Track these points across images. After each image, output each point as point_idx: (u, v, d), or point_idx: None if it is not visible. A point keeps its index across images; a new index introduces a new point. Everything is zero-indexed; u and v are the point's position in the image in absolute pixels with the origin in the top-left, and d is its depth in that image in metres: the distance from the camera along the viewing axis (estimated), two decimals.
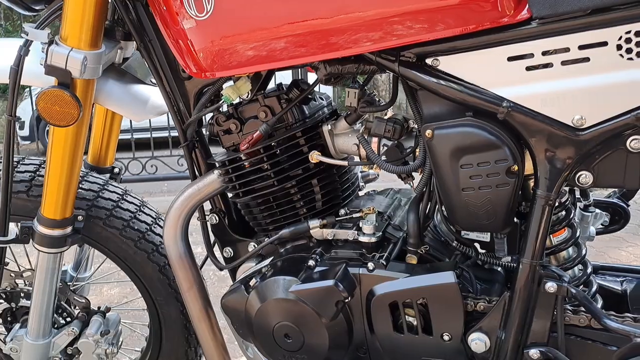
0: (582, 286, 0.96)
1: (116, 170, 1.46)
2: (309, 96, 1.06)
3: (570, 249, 0.96)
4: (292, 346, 0.97)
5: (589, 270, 0.97)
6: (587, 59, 0.75)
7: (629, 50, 0.74)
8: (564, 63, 0.77)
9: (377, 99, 1.02)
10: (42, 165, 1.27)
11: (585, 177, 0.81)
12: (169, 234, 1.11)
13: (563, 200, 0.94)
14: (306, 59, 0.88)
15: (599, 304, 0.96)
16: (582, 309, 0.84)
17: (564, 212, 0.94)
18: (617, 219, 1.14)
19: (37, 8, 1.14)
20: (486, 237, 0.99)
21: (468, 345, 0.90)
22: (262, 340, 1.00)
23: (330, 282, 0.92)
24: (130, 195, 1.37)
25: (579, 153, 0.79)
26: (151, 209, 1.39)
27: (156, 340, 1.40)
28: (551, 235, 0.94)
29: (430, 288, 0.89)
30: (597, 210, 1.09)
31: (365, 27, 0.83)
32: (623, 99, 0.75)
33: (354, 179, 1.13)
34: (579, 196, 1.08)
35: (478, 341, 0.88)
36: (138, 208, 1.35)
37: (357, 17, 0.83)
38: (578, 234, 0.96)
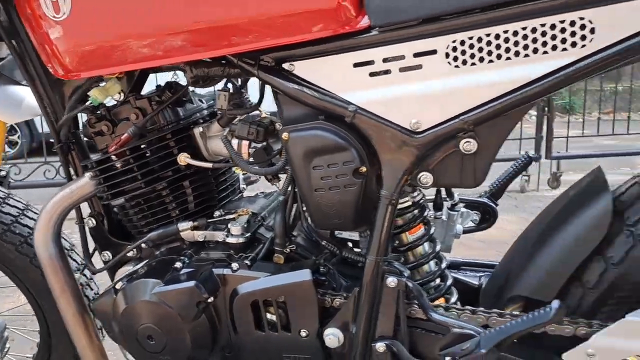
0: (438, 280, 1.01)
1: (2, 173, 1.41)
2: (184, 98, 1.07)
3: (425, 245, 1.00)
4: (155, 348, 0.97)
5: (444, 265, 1.02)
6: (420, 66, 0.80)
7: (455, 59, 0.78)
8: (401, 70, 0.81)
9: (249, 102, 1.04)
10: None
11: (426, 177, 0.85)
12: (39, 238, 1.08)
13: (417, 199, 0.98)
14: (167, 60, 0.90)
15: (454, 298, 1.01)
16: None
17: (417, 211, 0.99)
18: (487, 217, 1.20)
19: None
20: (356, 235, 1.03)
21: (324, 340, 0.92)
22: (128, 342, 1.00)
23: (191, 284, 0.93)
24: (14, 199, 1.33)
25: (417, 155, 0.83)
26: (35, 212, 1.35)
27: (45, 346, 1.37)
28: (407, 233, 0.99)
29: (287, 286, 0.92)
30: (464, 210, 1.15)
31: (219, 30, 0.85)
32: (453, 105, 0.79)
33: (232, 181, 1.14)
34: (446, 196, 1.13)
35: (332, 336, 0.91)
36: (21, 212, 1.32)
37: (211, 20, 0.85)
38: (432, 230, 1.01)
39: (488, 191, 1.21)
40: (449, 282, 1.01)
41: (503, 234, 3.26)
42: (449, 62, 0.79)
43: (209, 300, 0.93)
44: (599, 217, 0.85)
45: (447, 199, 1.13)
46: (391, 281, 0.85)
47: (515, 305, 0.92)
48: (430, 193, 1.09)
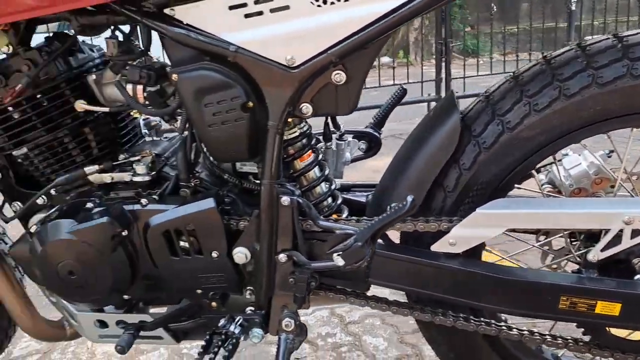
0: (330, 200, 1.16)
1: None
2: (74, 48, 1.11)
3: (316, 170, 1.14)
4: (78, 282, 1.05)
5: (333, 186, 1.16)
6: (287, 7, 0.90)
7: None
8: (272, 10, 0.90)
9: (137, 48, 1.09)
10: None
11: (306, 108, 0.97)
12: None
13: (304, 130, 1.11)
14: (48, 9, 0.92)
15: (345, 214, 1.17)
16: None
17: (305, 140, 1.11)
18: (372, 145, 1.35)
19: None
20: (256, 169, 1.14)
21: (233, 258, 1.05)
22: (50, 281, 1.07)
23: (104, 219, 1.01)
24: None
25: (296, 88, 0.94)
26: None
27: None
28: (299, 160, 1.12)
29: (194, 215, 1.02)
30: (351, 139, 1.29)
31: None
32: (320, 40, 0.91)
33: (133, 126, 1.21)
34: (333, 129, 1.26)
35: (240, 254, 1.04)
36: None
37: None
38: (320, 156, 1.15)
39: (372, 122, 1.35)
40: (339, 201, 1.16)
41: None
42: (311, 2, 0.89)
43: (123, 234, 1.02)
44: (449, 131, 1.01)
45: (335, 130, 1.27)
46: (285, 200, 0.98)
47: None
48: (319, 126, 1.22)
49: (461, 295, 1.04)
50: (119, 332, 1.19)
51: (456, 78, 4.84)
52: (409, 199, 0.89)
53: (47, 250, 1.03)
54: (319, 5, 0.89)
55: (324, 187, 1.15)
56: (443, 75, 4.80)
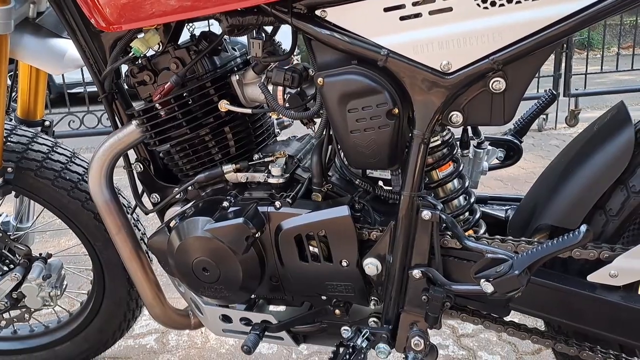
0: (467, 213, 1.08)
1: (47, 123, 1.49)
2: (219, 47, 1.11)
3: (455, 181, 1.07)
4: (210, 278, 1.07)
5: (472, 199, 1.08)
6: (450, 9, 0.83)
7: (484, 0, 0.81)
8: (431, 13, 0.84)
9: (281, 49, 1.08)
10: None
11: (456, 116, 0.90)
12: (93, 183, 1.17)
13: (446, 138, 1.04)
14: (204, 11, 0.93)
15: (482, 230, 1.09)
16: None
17: (446, 149, 1.04)
18: (512, 154, 1.25)
19: None
20: (387, 174, 1.09)
21: (363, 269, 1.01)
22: (183, 275, 1.10)
23: (239, 220, 1.01)
24: (61, 147, 1.42)
25: (448, 95, 0.87)
26: (82, 160, 1.44)
27: (100, 283, 1.49)
28: (437, 170, 1.05)
29: (327, 221, 1.00)
30: (490, 147, 1.20)
31: None
32: (482, 45, 0.83)
33: (267, 126, 1.20)
34: (472, 135, 1.18)
35: (370, 265, 1.00)
36: (69, 159, 1.40)
37: None
38: (461, 167, 1.07)
39: (513, 129, 1.25)
40: (478, 215, 1.08)
41: (520, 172, 3.31)
42: (477, 4, 0.82)
43: (256, 235, 1.02)
44: (622, 148, 0.89)
45: (474, 137, 1.18)
46: (426, 214, 0.92)
47: (542, 234, 0.99)
48: (457, 132, 1.14)
49: (618, 333, 0.92)
50: (241, 328, 1.20)
51: (577, 74, 4.47)
52: (583, 228, 0.79)
53: (184, 246, 1.06)
54: (485, 8, 0.81)
55: (462, 200, 1.08)
56: (562, 70, 4.44)
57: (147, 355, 1.74)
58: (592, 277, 0.90)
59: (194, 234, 1.04)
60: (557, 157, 1.04)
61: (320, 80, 0.92)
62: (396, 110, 0.90)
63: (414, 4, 0.84)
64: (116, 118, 1.18)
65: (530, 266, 0.81)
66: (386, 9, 0.86)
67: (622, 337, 0.93)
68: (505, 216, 1.13)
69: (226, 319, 1.20)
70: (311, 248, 1.04)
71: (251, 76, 1.08)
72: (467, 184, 1.07)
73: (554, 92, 1.20)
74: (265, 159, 1.11)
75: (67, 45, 1.25)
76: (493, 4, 0.81)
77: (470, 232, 1.07)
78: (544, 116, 4.33)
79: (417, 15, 0.85)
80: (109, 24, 0.99)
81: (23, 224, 1.57)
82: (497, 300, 0.97)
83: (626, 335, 0.93)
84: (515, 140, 1.24)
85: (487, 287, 0.83)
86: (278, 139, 1.26)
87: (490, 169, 1.23)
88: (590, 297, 0.91)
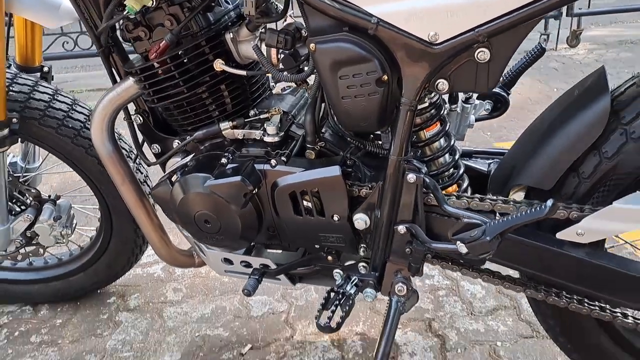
0: (452, 169, 1.14)
1: (45, 69, 1.51)
2: (212, 3, 1.11)
3: (441, 140, 1.12)
4: (212, 229, 1.15)
5: (457, 156, 1.14)
6: None
7: None
8: None
9: (275, 9, 1.08)
10: None
11: (442, 84, 0.93)
12: (96, 136, 1.22)
13: (434, 100, 1.08)
14: None
15: (465, 183, 1.15)
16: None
17: (434, 110, 1.08)
18: (499, 106, 1.28)
19: None
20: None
21: (353, 223, 1.09)
22: (186, 225, 1.18)
23: (237, 178, 1.08)
24: (62, 95, 1.45)
25: (435, 64, 0.90)
26: (83, 107, 1.48)
27: (107, 221, 1.58)
28: (425, 130, 1.10)
29: (320, 180, 1.06)
30: (477, 101, 1.24)
31: None
32: (469, 17, 0.85)
33: (263, 81, 1.23)
34: None
35: (360, 220, 1.08)
36: (70, 107, 1.44)
37: None
38: (448, 126, 1.12)
39: (501, 81, 1.27)
40: (462, 170, 1.15)
41: (517, 99, 3.29)
42: None
43: (254, 192, 1.09)
44: (598, 115, 0.94)
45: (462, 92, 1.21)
46: (411, 177, 0.98)
47: (519, 191, 1.06)
48: None
49: (583, 285, 1.02)
50: (241, 269, 1.31)
51: None
52: (549, 202, 0.86)
53: (186, 200, 1.13)
54: None
55: (447, 157, 1.14)
56: None
57: (155, 283, 1.88)
58: (560, 235, 0.99)
59: (196, 190, 1.11)
60: (538, 118, 1.08)
61: (312, 46, 0.94)
62: (385, 78, 0.93)
63: None
64: (114, 71, 1.20)
65: (501, 233, 0.89)
66: None
67: (587, 289, 1.03)
68: (488, 170, 1.20)
69: (227, 261, 1.30)
70: (305, 203, 1.11)
71: (245, 33, 1.10)
72: (452, 142, 1.13)
73: (543, 47, 1.22)
74: (261, 116, 1.15)
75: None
76: None
77: (455, 186, 1.14)
78: (545, 36, 4.23)
79: None
80: None
81: (30, 165, 1.64)
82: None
83: (590, 287, 1.03)
84: (503, 93, 1.27)
85: (462, 249, 0.92)
86: (273, 92, 1.29)
87: (477, 120, 1.27)
88: (558, 252, 1.00)
